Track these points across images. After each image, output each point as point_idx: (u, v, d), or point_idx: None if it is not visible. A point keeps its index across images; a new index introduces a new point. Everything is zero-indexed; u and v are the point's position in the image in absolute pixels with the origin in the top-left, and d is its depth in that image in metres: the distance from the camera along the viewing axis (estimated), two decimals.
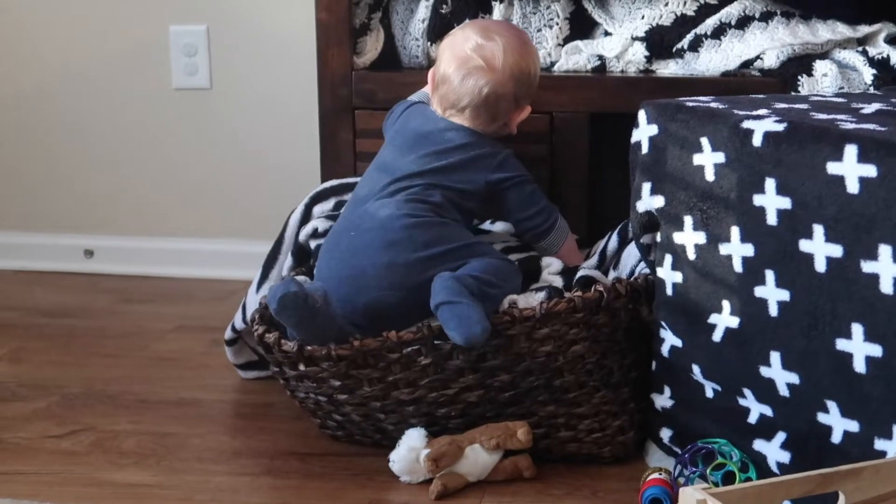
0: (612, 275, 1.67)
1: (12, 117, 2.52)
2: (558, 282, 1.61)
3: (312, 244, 1.74)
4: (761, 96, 1.58)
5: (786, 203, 1.28)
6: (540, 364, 1.47)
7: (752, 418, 1.39)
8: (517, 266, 1.61)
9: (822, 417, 1.28)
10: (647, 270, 1.55)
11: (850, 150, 1.21)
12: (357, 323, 1.53)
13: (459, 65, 1.66)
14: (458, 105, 1.66)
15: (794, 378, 1.30)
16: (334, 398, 1.53)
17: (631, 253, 1.62)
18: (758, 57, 1.82)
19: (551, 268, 1.65)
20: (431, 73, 1.73)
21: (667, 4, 1.90)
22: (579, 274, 1.59)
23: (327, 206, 1.80)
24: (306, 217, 1.80)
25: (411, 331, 1.47)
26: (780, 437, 1.36)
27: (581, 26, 1.96)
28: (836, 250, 1.23)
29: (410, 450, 1.49)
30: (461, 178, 1.63)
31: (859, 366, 1.22)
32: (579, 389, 1.51)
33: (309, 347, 1.48)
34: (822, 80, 1.76)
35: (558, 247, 1.69)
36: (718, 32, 1.86)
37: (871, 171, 1.19)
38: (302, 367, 1.50)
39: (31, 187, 2.55)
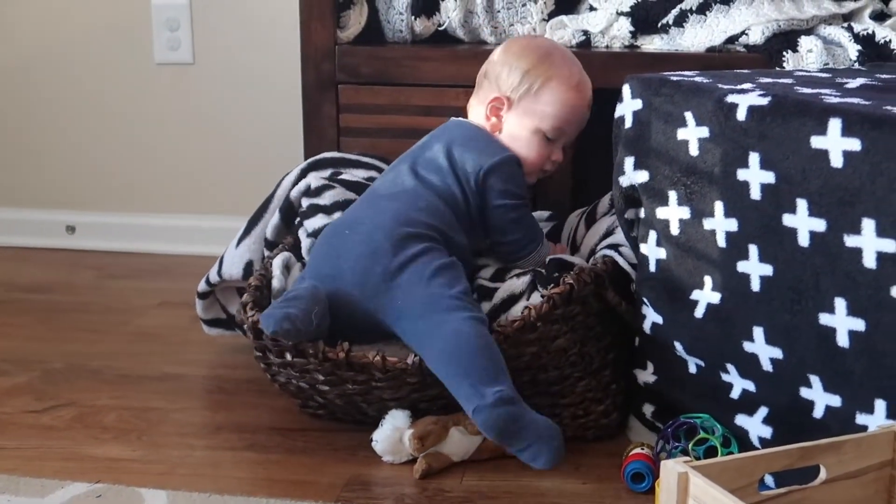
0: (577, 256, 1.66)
1: None
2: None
3: (304, 203, 1.71)
4: (746, 71, 1.57)
5: (770, 177, 1.27)
6: (525, 363, 1.46)
7: (735, 393, 1.39)
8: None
9: (804, 392, 1.28)
10: (608, 252, 1.55)
11: (835, 124, 1.20)
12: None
13: None
14: None
15: (777, 353, 1.30)
16: (317, 387, 1.52)
17: (593, 232, 1.62)
18: (743, 32, 1.82)
19: None
20: None
21: None
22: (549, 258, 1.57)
23: (323, 174, 1.77)
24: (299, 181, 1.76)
25: (405, 361, 1.44)
26: (763, 412, 1.35)
27: (566, 1, 1.96)
28: (820, 224, 1.22)
29: (394, 429, 1.47)
30: None
31: (842, 340, 1.22)
32: (563, 382, 1.50)
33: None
34: (808, 56, 1.76)
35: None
36: (703, 8, 1.85)
37: (855, 144, 1.18)
38: (289, 357, 1.48)
39: (12, 163, 2.53)
